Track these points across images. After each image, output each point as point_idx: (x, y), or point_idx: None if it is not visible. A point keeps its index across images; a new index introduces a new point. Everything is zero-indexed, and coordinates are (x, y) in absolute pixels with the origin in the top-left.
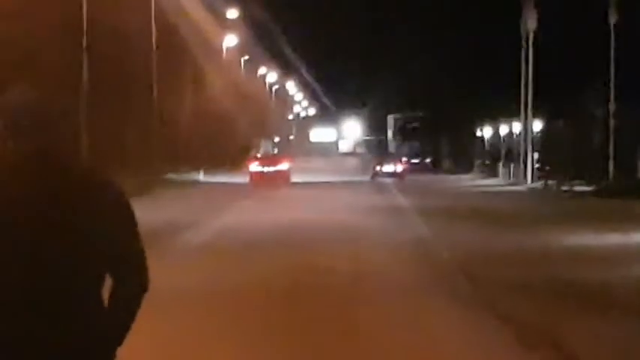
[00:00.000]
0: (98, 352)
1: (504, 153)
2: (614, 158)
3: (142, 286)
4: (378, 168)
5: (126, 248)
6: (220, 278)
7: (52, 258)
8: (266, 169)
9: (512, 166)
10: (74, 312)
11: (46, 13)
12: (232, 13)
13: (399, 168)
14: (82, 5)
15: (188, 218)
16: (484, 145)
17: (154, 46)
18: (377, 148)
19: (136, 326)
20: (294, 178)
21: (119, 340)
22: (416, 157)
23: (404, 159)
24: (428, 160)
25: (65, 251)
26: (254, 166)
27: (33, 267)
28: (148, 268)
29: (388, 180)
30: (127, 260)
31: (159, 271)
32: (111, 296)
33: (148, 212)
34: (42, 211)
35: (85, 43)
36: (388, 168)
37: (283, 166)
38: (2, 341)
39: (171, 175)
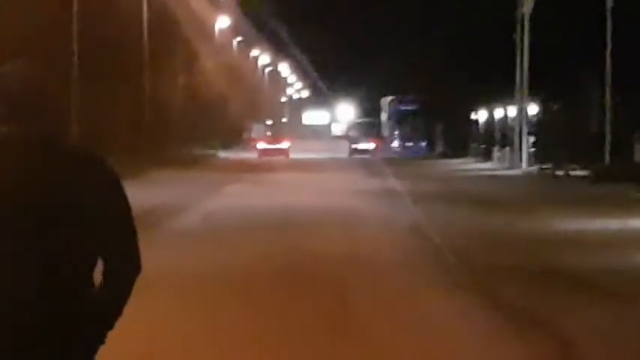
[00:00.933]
0: (89, 335)
1: (499, 137)
2: (610, 142)
3: (135, 268)
4: (354, 146)
5: (117, 231)
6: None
7: (48, 241)
8: (271, 146)
9: (507, 150)
10: (65, 294)
11: None
12: None
13: (372, 146)
14: None
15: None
16: (479, 128)
17: (145, 29)
18: (370, 131)
19: (131, 308)
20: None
21: (110, 324)
22: (410, 140)
23: (396, 140)
24: (422, 144)
25: (61, 234)
26: (262, 144)
27: (28, 250)
28: (140, 250)
29: (365, 156)
30: (119, 242)
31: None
32: (103, 278)
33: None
34: (40, 195)
35: (75, 28)
36: (363, 146)
37: (285, 144)
38: None
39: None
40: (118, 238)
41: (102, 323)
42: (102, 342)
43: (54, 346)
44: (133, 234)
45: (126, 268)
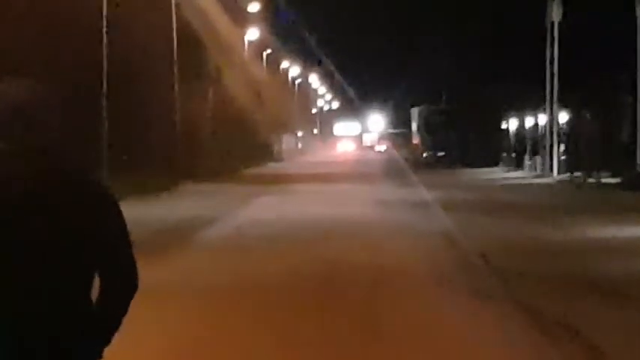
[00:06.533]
0: (85, 351)
1: (530, 145)
2: None
3: (131, 285)
4: (372, 145)
5: (114, 248)
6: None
7: (41, 258)
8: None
9: (538, 158)
10: (63, 311)
11: (64, 13)
12: (254, 7)
13: (384, 147)
14: (102, 5)
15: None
16: (510, 137)
17: (175, 44)
18: (401, 141)
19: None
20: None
21: (107, 340)
22: (441, 150)
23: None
24: (453, 153)
25: (54, 252)
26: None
27: (23, 267)
28: (137, 267)
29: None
30: (115, 260)
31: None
32: (100, 295)
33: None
34: (31, 212)
35: (105, 43)
36: (379, 147)
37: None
38: None
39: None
40: (113, 254)
41: (98, 339)
42: (100, 357)
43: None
44: (129, 250)
45: (122, 284)
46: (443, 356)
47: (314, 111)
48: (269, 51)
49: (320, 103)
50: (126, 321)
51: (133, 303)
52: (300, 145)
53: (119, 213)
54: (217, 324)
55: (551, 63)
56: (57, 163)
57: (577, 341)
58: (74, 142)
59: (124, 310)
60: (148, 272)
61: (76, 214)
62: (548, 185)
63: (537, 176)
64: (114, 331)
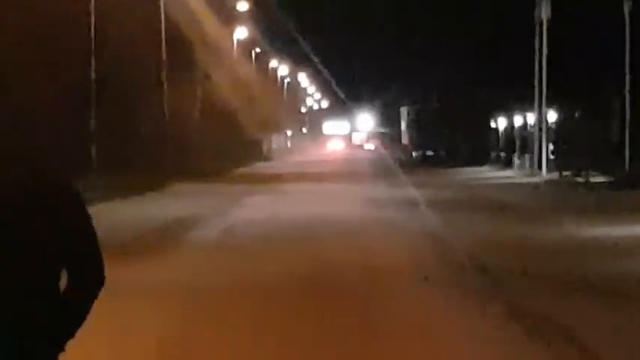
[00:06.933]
0: (48, 345)
1: (519, 144)
2: (630, 149)
3: (98, 281)
4: (362, 144)
5: (80, 244)
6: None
7: (7, 255)
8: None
9: (527, 157)
10: (28, 306)
11: (54, 10)
12: (242, 6)
13: (372, 146)
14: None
15: None
16: (499, 136)
17: (163, 43)
18: (389, 140)
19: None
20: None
21: (71, 334)
22: (429, 148)
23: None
24: (442, 152)
25: (20, 249)
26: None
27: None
28: (104, 263)
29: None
30: (81, 256)
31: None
32: (66, 290)
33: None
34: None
35: (93, 43)
36: (368, 146)
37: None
38: None
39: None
40: (80, 252)
41: (63, 333)
42: (62, 349)
43: (14, 351)
44: (95, 247)
45: (88, 280)
46: (437, 354)
47: (303, 110)
48: (258, 50)
49: (309, 102)
50: (123, 319)
51: (127, 300)
52: (289, 144)
53: (84, 209)
54: (215, 324)
55: (540, 62)
56: (21, 163)
57: (566, 339)
58: (60, 144)
59: (89, 306)
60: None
61: (41, 211)
62: (537, 184)
63: (526, 175)
64: (79, 324)
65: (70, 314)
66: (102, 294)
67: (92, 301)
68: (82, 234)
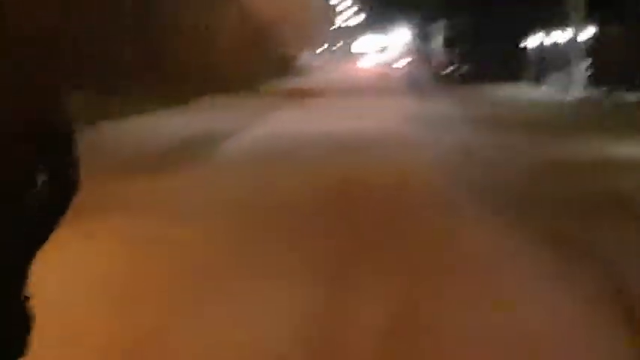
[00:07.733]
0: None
1: (552, 61)
2: None
3: (74, 186)
4: (394, 60)
5: (57, 143)
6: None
7: None
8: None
9: (560, 75)
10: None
11: None
12: None
13: (405, 62)
14: None
15: None
16: (531, 53)
17: None
18: (423, 57)
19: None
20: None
21: (51, 228)
22: (463, 65)
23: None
24: (474, 69)
25: None
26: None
27: None
28: (79, 168)
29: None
30: (57, 156)
31: None
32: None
33: None
34: None
35: None
36: (401, 62)
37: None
38: None
39: None
40: (56, 152)
41: (40, 225)
42: (43, 241)
43: None
44: (72, 150)
45: (65, 183)
46: (459, 259)
47: (337, 25)
48: None
49: (344, 17)
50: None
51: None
52: (322, 60)
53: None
54: (243, 239)
55: None
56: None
57: (589, 259)
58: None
59: (64, 210)
60: (165, 184)
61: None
62: (570, 102)
63: (560, 93)
64: (52, 230)
65: (46, 217)
66: (119, 210)
67: (67, 205)
68: (57, 134)
